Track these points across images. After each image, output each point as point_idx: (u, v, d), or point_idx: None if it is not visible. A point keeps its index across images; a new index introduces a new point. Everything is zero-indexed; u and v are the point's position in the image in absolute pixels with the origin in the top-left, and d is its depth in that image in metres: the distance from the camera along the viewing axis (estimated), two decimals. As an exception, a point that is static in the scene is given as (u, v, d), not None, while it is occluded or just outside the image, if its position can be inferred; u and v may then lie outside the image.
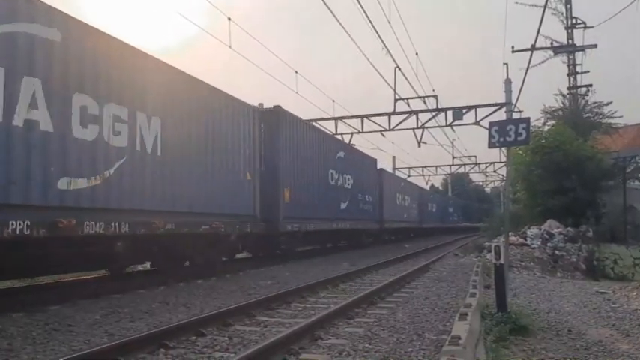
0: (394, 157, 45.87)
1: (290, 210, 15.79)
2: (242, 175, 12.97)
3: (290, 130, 16.34)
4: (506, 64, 25.07)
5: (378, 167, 28.53)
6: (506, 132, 7.77)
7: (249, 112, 13.54)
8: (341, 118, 25.88)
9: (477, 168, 49.46)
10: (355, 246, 23.91)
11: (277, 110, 15.75)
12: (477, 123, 23.42)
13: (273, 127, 15.28)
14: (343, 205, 21.19)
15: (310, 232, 17.52)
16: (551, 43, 24.52)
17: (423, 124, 25.20)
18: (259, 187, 13.80)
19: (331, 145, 20.68)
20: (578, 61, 25.74)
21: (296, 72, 20.25)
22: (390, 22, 16.56)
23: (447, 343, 4.60)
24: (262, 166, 14.35)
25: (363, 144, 71.62)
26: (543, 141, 21.82)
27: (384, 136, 27.18)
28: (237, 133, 12.82)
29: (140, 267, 12.55)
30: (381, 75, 19.69)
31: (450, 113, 24.22)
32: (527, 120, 8.13)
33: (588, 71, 25.90)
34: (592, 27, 24.88)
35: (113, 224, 8.31)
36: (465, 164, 48.26)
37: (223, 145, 12.11)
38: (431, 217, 45.29)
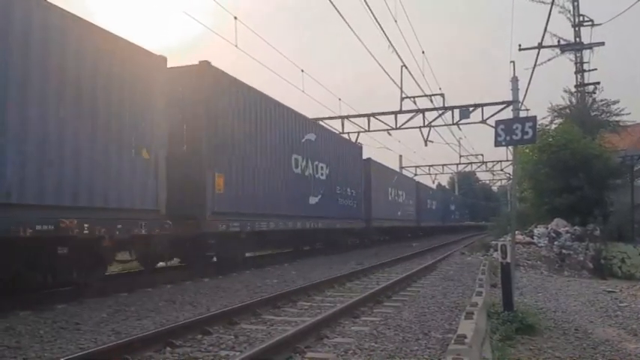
0: (401, 155, 45.80)
1: (225, 203, 11.74)
2: (131, 150, 8.96)
3: (228, 97, 12.27)
4: (513, 62, 24.93)
5: (366, 156, 24.75)
6: (512, 130, 7.75)
7: (151, 62, 9.62)
8: (347, 117, 25.86)
9: (483, 166, 49.32)
10: (334, 249, 20.16)
11: (204, 69, 11.50)
12: (483, 121, 23.36)
13: (200, 92, 11.33)
14: (314, 200, 17.26)
15: (262, 232, 13.80)
16: (559, 41, 24.41)
17: (430, 123, 25.14)
18: (174, 172, 10.02)
19: (296, 124, 16.23)
20: (585, 59, 25.65)
21: (302, 70, 20.26)
22: (396, 21, 16.53)
23: (452, 342, 4.59)
24: (185, 144, 11.11)
25: (369, 142, 71.48)
26: (550, 139, 21.74)
27: (390, 134, 27.13)
28: (123, 89, 8.82)
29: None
30: (387, 73, 19.57)
31: (456, 112, 24.16)
32: (533, 118, 8.09)
33: (596, 69, 25.79)
34: (599, 24, 24.74)
35: None
36: (471, 163, 48.13)
37: (90, 104, 8.13)
38: (430, 215, 41.94)
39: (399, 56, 17.40)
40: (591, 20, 24.94)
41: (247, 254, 14.61)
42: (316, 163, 17.77)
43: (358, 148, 23.94)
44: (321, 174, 18.27)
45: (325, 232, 19.09)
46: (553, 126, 25.27)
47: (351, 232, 22.51)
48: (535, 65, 14.64)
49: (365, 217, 23.70)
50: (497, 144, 7.99)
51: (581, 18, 25.13)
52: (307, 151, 16.94)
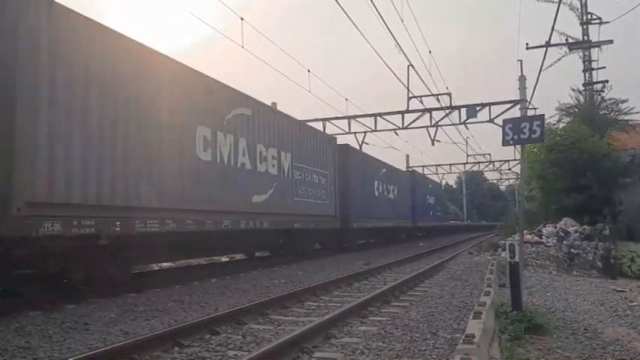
0: (407, 155, 45.59)
1: None
2: None
3: None
4: (521, 60, 24.86)
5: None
6: (520, 129, 7.71)
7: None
8: (354, 117, 25.84)
9: (491, 166, 49.11)
10: None
11: None
12: (491, 120, 23.24)
13: None
14: None
15: None
16: (567, 39, 24.32)
17: (437, 122, 25.06)
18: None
19: None
20: (593, 57, 25.51)
21: (309, 71, 20.25)
22: (402, 20, 16.49)
23: (461, 341, 4.57)
24: None
25: (376, 142, 71.44)
26: (558, 138, 21.64)
27: (397, 134, 27.04)
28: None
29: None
30: (394, 73, 19.54)
31: (463, 111, 24.06)
32: (541, 117, 8.04)
33: (604, 67, 25.65)
34: (607, 22, 24.61)
35: None
36: (479, 162, 47.90)
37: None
38: (382, 210, 25.82)
39: (405, 56, 17.38)
40: (599, 18, 24.82)
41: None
42: None
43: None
44: None
45: None
46: (561, 125, 25.19)
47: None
48: (543, 64, 14.53)
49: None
50: (504, 143, 7.95)
51: (589, 16, 25.00)
52: None
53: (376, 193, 25.36)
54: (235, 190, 12.39)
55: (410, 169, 41.19)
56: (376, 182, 25.41)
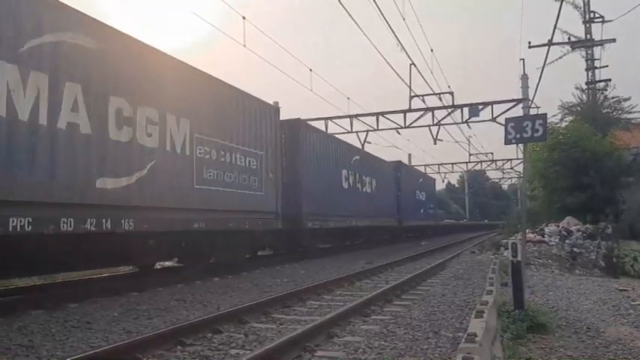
0: (410, 154, 45.55)
1: None
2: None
3: None
4: (523, 59, 24.81)
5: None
6: (522, 128, 7.70)
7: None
8: (356, 116, 25.81)
9: (493, 165, 49.02)
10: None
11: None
12: (493, 119, 23.19)
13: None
14: None
15: None
16: (569, 38, 24.28)
17: (439, 121, 25.02)
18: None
19: None
20: (596, 56, 25.47)
21: (310, 70, 20.25)
22: (404, 19, 16.48)
23: (463, 340, 4.56)
24: None
25: (378, 141, 71.36)
26: (561, 137, 21.62)
27: (399, 133, 27.02)
28: None
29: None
30: (396, 72, 19.47)
31: (466, 110, 24.01)
32: (543, 116, 8.04)
33: (607, 66, 25.60)
34: (610, 21, 24.57)
35: None
36: (481, 161, 47.80)
37: None
38: (358, 206, 21.29)
39: (407, 55, 17.39)
40: (602, 17, 24.77)
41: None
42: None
43: None
44: None
45: None
46: (564, 124, 25.17)
47: None
48: (545, 62, 14.54)
49: None
50: (507, 142, 7.95)
51: (591, 14, 24.96)
52: None
53: (345, 185, 20.34)
54: (51, 167, 7.41)
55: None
56: (345, 171, 20.39)
